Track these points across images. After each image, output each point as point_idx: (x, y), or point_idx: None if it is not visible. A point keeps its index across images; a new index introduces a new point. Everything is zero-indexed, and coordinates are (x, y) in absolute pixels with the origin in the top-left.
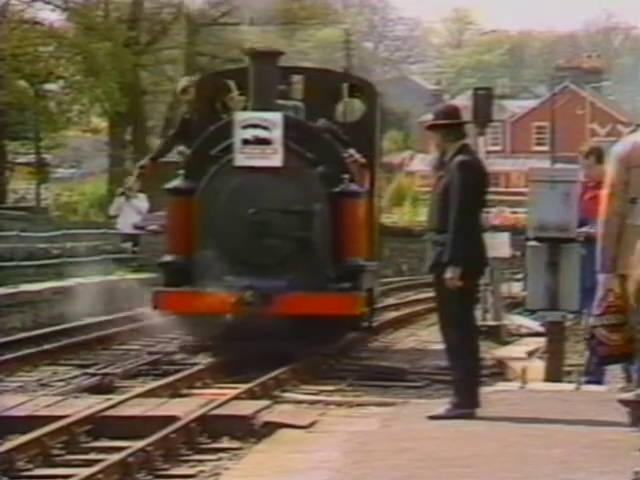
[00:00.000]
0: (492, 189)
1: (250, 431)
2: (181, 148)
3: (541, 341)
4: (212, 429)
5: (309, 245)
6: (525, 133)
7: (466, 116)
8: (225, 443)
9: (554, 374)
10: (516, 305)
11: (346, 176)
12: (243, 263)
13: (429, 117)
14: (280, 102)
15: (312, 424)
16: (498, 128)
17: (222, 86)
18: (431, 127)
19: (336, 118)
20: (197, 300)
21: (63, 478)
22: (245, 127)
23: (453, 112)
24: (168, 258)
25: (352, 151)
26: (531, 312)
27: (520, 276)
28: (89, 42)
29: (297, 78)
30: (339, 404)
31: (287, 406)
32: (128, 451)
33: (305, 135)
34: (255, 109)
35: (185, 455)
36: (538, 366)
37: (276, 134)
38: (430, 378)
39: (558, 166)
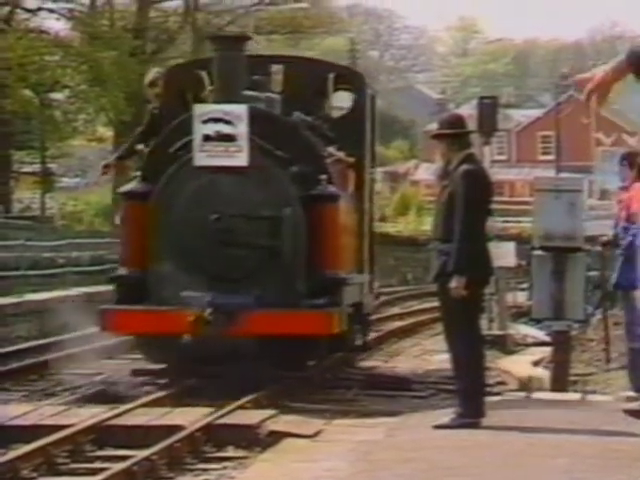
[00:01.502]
0: (497, 198)
1: (255, 440)
2: (140, 147)
3: (547, 350)
4: (217, 438)
5: (279, 255)
6: (530, 142)
7: (471, 125)
8: (230, 452)
9: (560, 384)
10: (521, 314)
11: (324, 177)
12: (204, 276)
13: (434, 126)
14: (249, 93)
15: (317, 433)
16: (503, 137)
17: (193, 77)
18: (436, 136)
19: (320, 112)
20: (150, 319)
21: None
22: (206, 121)
23: (458, 121)
24: (121, 272)
25: (332, 149)
26: (537, 321)
27: (525, 285)
28: (95, 51)
29: (276, 68)
30: (345, 413)
31: (292, 415)
32: (133, 460)
33: (276, 130)
34: (218, 101)
35: (190, 464)
36: (543, 375)
37: (241, 129)
38: (435, 388)
39: (563, 175)
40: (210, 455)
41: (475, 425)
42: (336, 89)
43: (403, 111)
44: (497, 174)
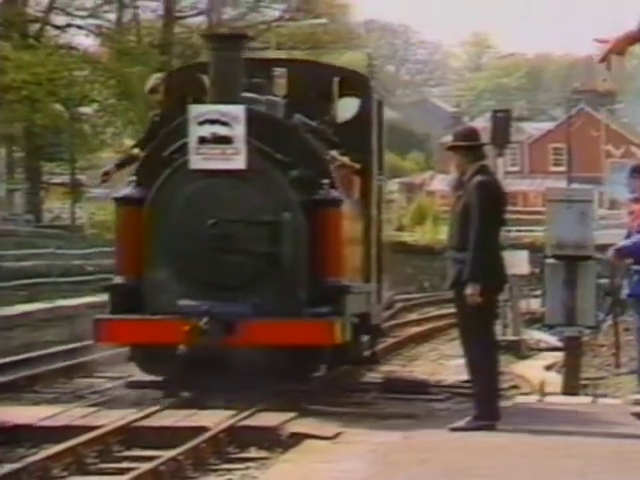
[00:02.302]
0: (510, 208)
1: (277, 441)
2: (135, 151)
3: (559, 355)
4: (240, 439)
5: (278, 262)
6: (542, 154)
7: (485, 137)
8: (253, 453)
9: (571, 387)
10: (535, 320)
11: (326, 181)
12: (200, 284)
13: (449, 138)
14: (248, 95)
15: (337, 435)
16: (516, 149)
17: (194, 81)
18: (451, 148)
19: (325, 116)
20: (143, 329)
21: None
22: (202, 123)
23: (472, 134)
24: (117, 280)
25: (336, 153)
26: (549, 327)
27: (538, 292)
28: (122, 66)
29: (280, 71)
30: (363, 416)
31: (312, 418)
32: (159, 460)
33: (275, 133)
34: (214, 102)
35: (214, 464)
36: (556, 379)
37: (238, 131)
38: (451, 391)
39: (574, 186)
40: (233, 456)
41: (490, 427)
42: (342, 94)
43: (419, 124)
44: (510, 185)
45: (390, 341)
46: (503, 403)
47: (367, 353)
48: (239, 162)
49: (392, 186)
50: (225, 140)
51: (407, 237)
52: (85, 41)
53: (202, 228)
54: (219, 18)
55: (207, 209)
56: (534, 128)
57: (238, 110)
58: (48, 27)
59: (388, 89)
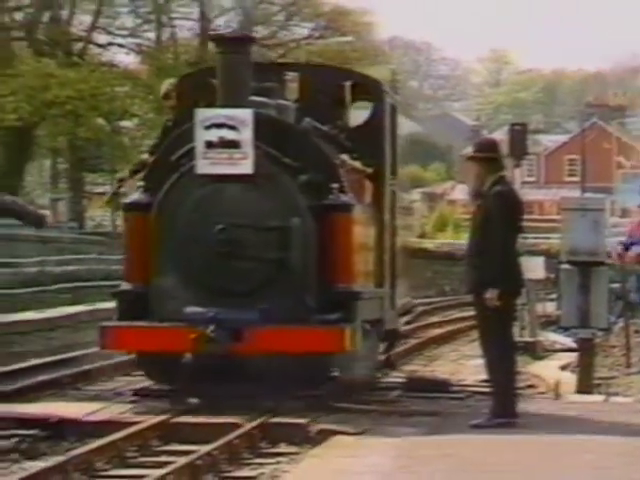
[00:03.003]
0: (527, 217)
1: (306, 437)
2: (144, 156)
3: (573, 356)
4: (272, 435)
5: (287, 268)
6: (557, 165)
7: (503, 149)
8: (283, 448)
9: (585, 386)
10: (550, 323)
11: (336, 186)
12: (207, 291)
13: (469, 150)
14: (258, 99)
15: (363, 431)
16: (533, 160)
17: (206, 86)
18: (472, 158)
19: (337, 121)
20: (149, 337)
21: (137, 478)
22: (208, 127)
23: (492, 145)
24: (125, 287)
25: (346, 157)
26: (564, 329)
27: (554, 296)
28: (160, 83)
29: (291, 76)
30: (388, 413)
31: (340, 415)
32: (196, 455)
33: (284, 137)
34: (222, 105)
35: (247, 459)
36: (570, 379)
37: (246, 135)
38: (471, 390)
39: (587, 195)
40: (265, 451)
41: (508, 424)
42: (355, 98)
43: (440, 137)
44: (527, 194)
45: (412, 342)
46: (520, 401)
47: (382, 358)
48: (247, 167)
49: (414, 195)
50: (232, 144)
51: (429, 243)
52: (125, 59)
53: (209, 234)
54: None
55: (214, 214)
56: (550, 140)
57: (245, 114)
58: (91, 46)
59: (411, 103)
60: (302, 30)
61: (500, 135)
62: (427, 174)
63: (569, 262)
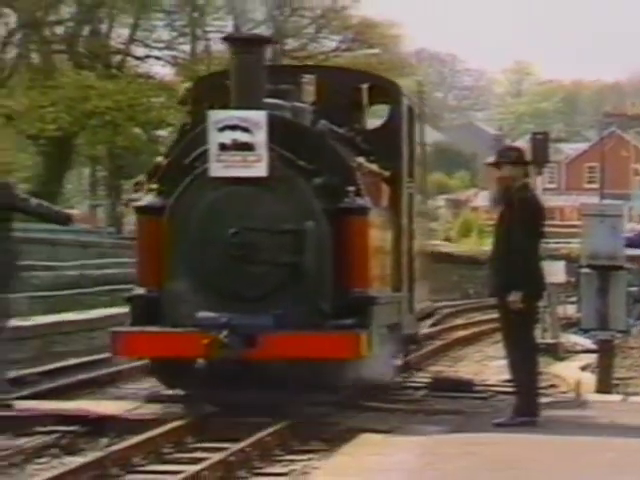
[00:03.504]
0: (548, 222)
1: (336, 435)
2: (159, 159)
3: (593, 357)
4: (302, 433)
5: (301, 272)
6: (577, 172)
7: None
8: (313, 445)
9: (604, 386)
10: (571, 325)
11: (352, 189)
12: (221, 295)
13: (493, 158)
14: (272, 101)
15: (391, 430)
16: (554, 168)
17: (222, 88)
18: (497, 164)
19: (354, 123)
20: (161, 342)
21: (172, 474)
22: (222, 129)
23: (517, 152)
24: (138, 291)
25: (362, 159)
26: (584, 331)
27: (574, 299)
28: None
29: (308, 78)
30: (414, 412)
31: (369, 413)
32: (229, 451)
33: (299, 139)
34: (235, 107)
35: (279, 455)
36: (590, 379)
37: (260, 137)
38: (495, 390)
39: (606, 202)
40: (296, 448)
41: (530, 423)
42: (372, 101)
43: (465, 145)
44: (548, 201)
45: (438, 344)
46: (542, 401)
47: (400, 362)
48: (260, 169)
49: (440, 202)
50: (246, 147)
51: (453, 248)
52: (162, 71)
53: (223, 237)
54: (282, 48)
55: (228, 218)
56: (570, 149)
57: (259, 115)
58: (129, 58)
59: (437, 113)
60: (331, 42)
61: (522, 144)
62: (452, 181)
63: (589, 266)
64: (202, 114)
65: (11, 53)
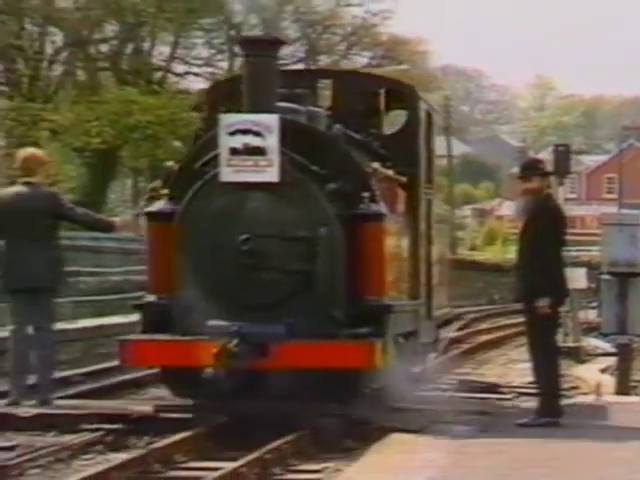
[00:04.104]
0: (570, 231)
1: (367, 434)
2: (169, 163)
3: (612, 360)
4: (335, 432)
5: (314, 280)
6: (597, 183)
7: (548, 169)
8: (346, 444)
9: (623, 388)
10: (592, 329)
11: (366, 194)
12: (231, 303)
13: (517, 170)
14: (286, 105)
15: (420, 429)
16: (575, 179)
17: (237, 93)
18: (522, 178)
19: (370, 128)
20: (170, 351)
21: (212, 470)
22: (233, 133)
23: (539, 165)
24: (149, 298)
25: (377, 165)
26: (604, 335)
27: (595, 304)
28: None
29: (324, 83)
30: (442, 412)
31: (400, 414)
32: (266, 448)
33: (312, 144)
34: (247, 111)
35: (313, 453)
36: (610, 381)
37: (272, 141)
38: (519, 391)
39: (625, 211)
40: (329, 446)
41: (552, 424)
42: (389, 105)
43: (490, 157)
44: (570, 210)
45: (464, 347)
46: (564, 402)
47: (417, 370)
48: (272, 174)
49: (466, 211)
50: (258, 151)
51: (479, 256)
52: (201, 86)
53: (233, 244)
54: (316, 64)
55: (239, 224)
56: (590, 160)
57: (271, 119)
58: (170, 75)
59: (463, 127)
60: (362, 59)
61: (545, 155)
62: (477, 192)
63: (609, 273)
64: (216, 119)
65: (58, 70)
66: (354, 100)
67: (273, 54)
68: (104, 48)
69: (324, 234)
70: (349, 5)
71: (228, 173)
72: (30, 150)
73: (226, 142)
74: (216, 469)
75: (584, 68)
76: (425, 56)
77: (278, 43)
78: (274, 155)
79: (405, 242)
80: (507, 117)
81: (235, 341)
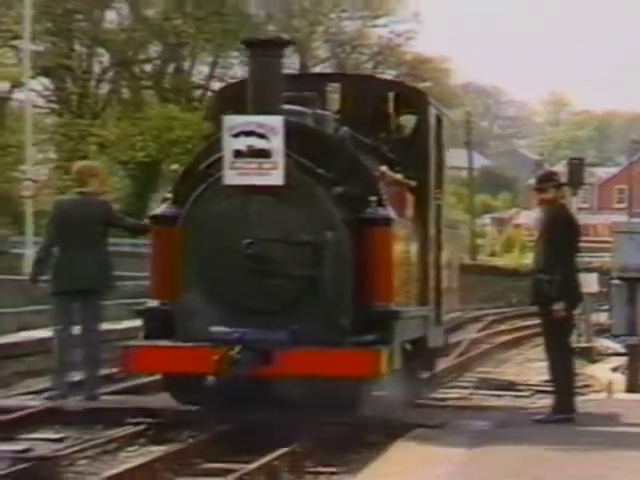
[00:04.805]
0: (583, 238)
1: (393, 429)
2: (174, 166)
3: (623, 360)
4: (363, 426)
5: (319, 286)
6: (608, 194)
7: (563, 180)
8: (373, 438)
9: (633, 386)
10: (603, 331)
11: (374, 198)
12: (234, 309)
13: (534, 181)
14: (293, 107)
15: (442, 424)
16: (587, 190)
17: (243, 95)
18: (539, 190)
19: (380, 132)
20: (170, 358)
21: (245, 463)
22: (236, 135)
23: (554, 176)
24: (151, 304)
25: (385, 168)
26: (615, 336)
27: (606, 307)
28: None
29: (333, 86)
30: (463, 408)
31: (422, 409)
32: (297, 444)
33: (319, 147)
34: (251, 112)
35: (345, 446)
36: (620, 379)
37: (276, 143)
38: (535, 389)
39: (634, 220)
40: (357, 441)
41: (567, 419)
42: (399, 110)
43: (508, 169)
44: (583, 219)
45: (484, 347)
46: (578, 399)
47: (425, 376)
48: (277, 177)
49: (485, 220)
50: (262, 153)
51: (498, 262)
52: None
53: (237, 248)
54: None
55: (242, 228)
56: (602, 172)
57: (276, 121)
58: (209, 92)
59: (483, 141)
60: (387, 77)
61: (560, 168)
62: (496, 202)
63: (619, 278)
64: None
65: (104, 88)
66: (363, 104)
67: (278, 54)
68: (147, 68)
69: (330, 238)
70: (375, 26)
71: (231, 176)
72: (84, 162)
73: (229, 144)
74: (248, 462)
75: (597, 84)
76: (447, 74)
77: (283, 43)
78: (279, 157)
79: (414, 247)
80: (524, 132)
81: (237, 348)
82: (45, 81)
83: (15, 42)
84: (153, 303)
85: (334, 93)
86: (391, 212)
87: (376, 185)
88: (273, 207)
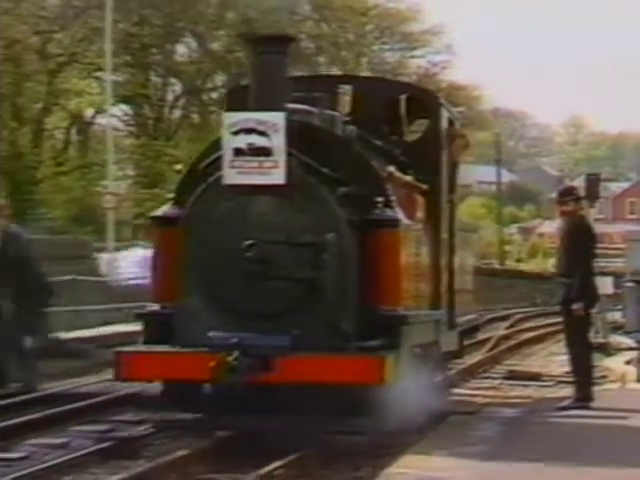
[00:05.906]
0: (599, 245)
1: (430, 415)
2: (178, 167)
3: (635, 353)
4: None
5: (322, 289)
6: (621, 206)
7: (581, 194)
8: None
9: None
10: (618, 328)
11: (380, 199)
12: (234, 313)
13: (555, 195)
14: (298, 106)
15: (475, 411)
16: (603, 202)
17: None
18: (561, 203)
19: (391, 134)
20: (166, 364)
21: (241, 474)
22: (236, 132)
23: (573, 191)
24: (152, 307)
25: (393, 169)
26: (628, 333)
27: (620, 307)
28: None
29: (345, 88)
30: (493, 397)
31: (456, 397)
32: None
33: (322, 145)
34: (253, 109)
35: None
36: (633, 371)
37: (277, 141)
38: (558, 380)
39: None
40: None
41: (587, 407)
42: (411, 112)
43: (532, 184)
44: (599, 229)
45: (512, 343)
46: (596, 389)
47: (439, 379)
48: (278, 176)
49: (512, 229)
50: (263, 151)
51: (524, 266)
52: None
53: (237, 250)
54: None
55: (243, 229)
56: (616, 187)
57: (277, 117)
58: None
59: (510, 159)
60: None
61: (579, 183)
62: (522, 213)
63: (632, 281)
64: None
65: (177, 114)
66: (375, 106)
67: (282, 51)
68: (214, 95)
69: (333, 240)
70: (413, 57)
71: (231, 175)
72: None
73: (229, 142)
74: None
75: (612, 107)
76: (479, 100)
77: (287, 40)
78: (280, 156)
79: (424, 250)
80: (547, 150)
81: (235, 354)
82: (124, 107)
83: (98, 74)
84: (154, 307)
85: (346, 95)
86: (399, 213)
87: (383, 186)
88: (274, 207)
